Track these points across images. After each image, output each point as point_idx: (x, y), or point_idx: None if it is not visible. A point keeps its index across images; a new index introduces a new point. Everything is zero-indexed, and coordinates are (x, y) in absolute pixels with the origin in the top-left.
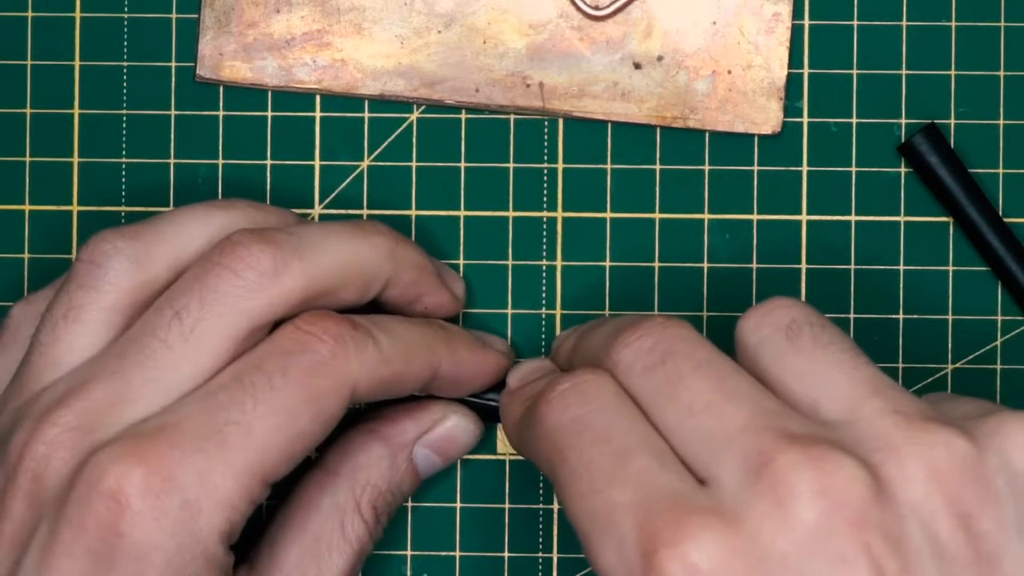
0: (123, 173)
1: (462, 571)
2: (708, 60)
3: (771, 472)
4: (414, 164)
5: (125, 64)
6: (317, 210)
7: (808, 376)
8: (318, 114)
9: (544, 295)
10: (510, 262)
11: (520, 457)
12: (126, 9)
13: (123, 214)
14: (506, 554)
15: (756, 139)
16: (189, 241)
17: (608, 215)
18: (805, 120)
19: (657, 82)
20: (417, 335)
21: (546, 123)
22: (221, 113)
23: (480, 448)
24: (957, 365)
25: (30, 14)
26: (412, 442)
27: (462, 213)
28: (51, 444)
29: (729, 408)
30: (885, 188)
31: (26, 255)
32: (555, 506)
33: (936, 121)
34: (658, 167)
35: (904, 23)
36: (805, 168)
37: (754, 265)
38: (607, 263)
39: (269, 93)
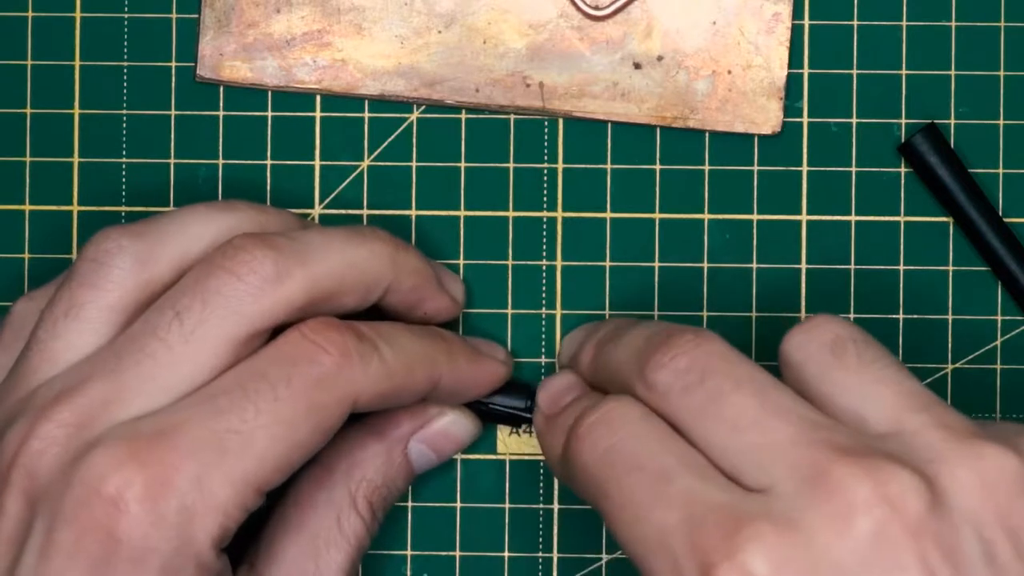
0: (123, 173)
1: (462, 571)
2: (708, 60)
3: (827, 482)
4: (414, 164)
5: (125, 64)
6: (317, 210)
7: (854, 391)
8: (318, 114)
9: (544, 295)
10: (510, 262)
11: (520, 457)
12: (126, 9)
13: (123, 214)
14: (506, 554)
15: (756, 139)
16: (192, 242)
17: (608, 215)
18: (805, 120)
19: (657, 82)
20: (419, 348)
21: (546, 123)
22: (221, 113)
23: (480, 448)
24: (957, 365)
25: (30, 14)
26: (407, 437)
27: (462, 213)
28: (47, 440)
29: (776, 423)
30: (885, 188)
31: (26, 255)
32: (555, 506)
33: (936, 121)
34: (658, 167)
35: (904, 23)
36: (805, 168)
37: (754, 265)
38: (607, 263)
39: (269, 93)
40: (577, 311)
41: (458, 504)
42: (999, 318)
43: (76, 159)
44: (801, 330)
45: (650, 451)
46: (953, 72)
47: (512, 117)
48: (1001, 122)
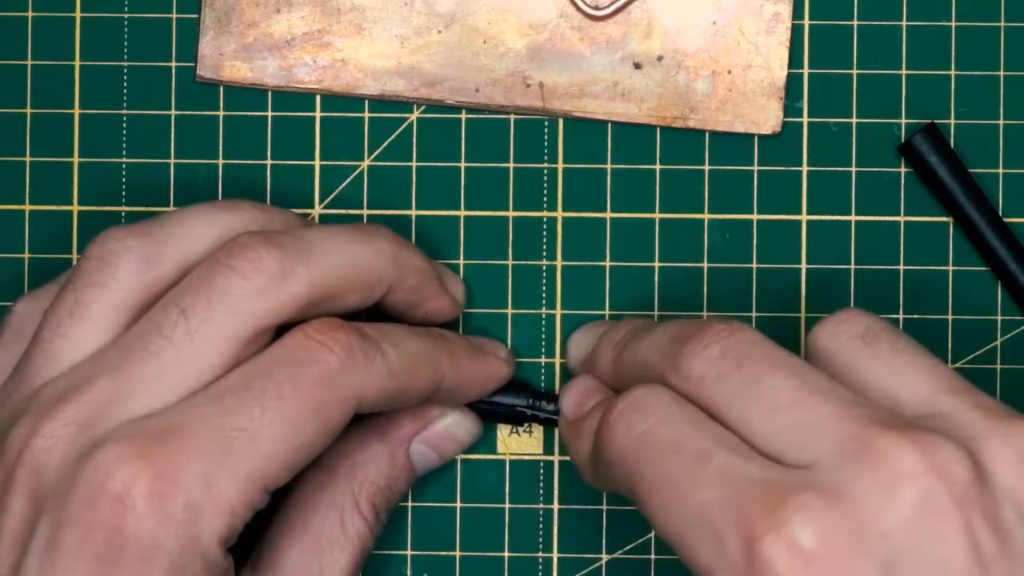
0: (123, 173)
1: (462, 571)
2: (708, 60)
3: (872, 453)
4: (414, 164)
5: (125, 64)
6: (317, 210)
7: (887, 377)
8: (318, 114)
9: (544, 295)
10: (510, 262)
11: (520, 457)
12: (126, 9)
13: (123, 214)
14: (506, 554)
15: (756, 139)
16: (196, 241)
17: (608, 215)
18: (805, 120)
19: (657, 82)
20: (422, 348)
21: (546, 123)
22: (221, 113)
23: (480, 448)
24: (957, 365)
25: (30, 14)
26: (410, 438)
27: (462, 213)
28: (52, 438)
29: (816, 401)
30: (885, 188)
31: (26, 255)
32: (555, 506)
33: (936, 121)
34: (658, 167)
35: (904, 23)
36: (805, 168)
37: (754, 265)
38: (607, 263)
39: (269, 93)
40: (577, 311)
41: (458, 504)
42: (999, 318)
43: (76, 159)
44: (832, 321)
45: (688, 433)
46: (953, 72)
47: (512, 117)
48: (1001, 122)
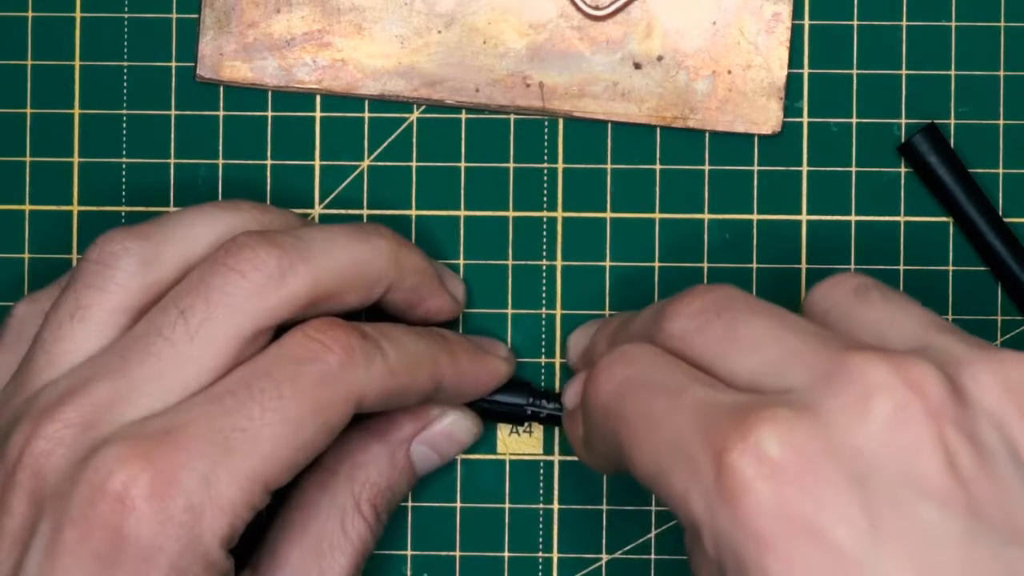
0: (123, 173)
1: (462, 571)
2: (708, 60)
3: (846, 370)
4: (414, 164)
5: (125, 64)
6: (317, 210)
7: (877, 323)
8: (318, 114)
9: (544, 295)
10: (510, 262)
11: (520, 457)
12: (126, 9)
13: (123, 214)
14: (506, 554)
15: (756, 139)
16: (196, 242)
17: (608, 215)
18: (805, 120)
19: (657, 82)
20: (422, 347)
21: (546, 123)
22: (221, 113)
23: (480, 448)
24: None
25: (30, 14)
26: (410, 439)
27: (462, 213)
28: (52, 440)
29: (794, 336)
30: (885, 188)
31: (26, 255)
32: (555, 506)
33: (936, 121)
34: (658, 167)
35: (904, 23)
36: (805, 168)
37: (754, 265)
38: (607, 263)
39: (269, 93)
40: (577, 311)
41: (458, 504)
42: (999, 318)
43: (76, 159)
44: (825, 283)
45: (668, 375)
46: (953, 72)
47: (512, 117)
48: (1001, 122)
